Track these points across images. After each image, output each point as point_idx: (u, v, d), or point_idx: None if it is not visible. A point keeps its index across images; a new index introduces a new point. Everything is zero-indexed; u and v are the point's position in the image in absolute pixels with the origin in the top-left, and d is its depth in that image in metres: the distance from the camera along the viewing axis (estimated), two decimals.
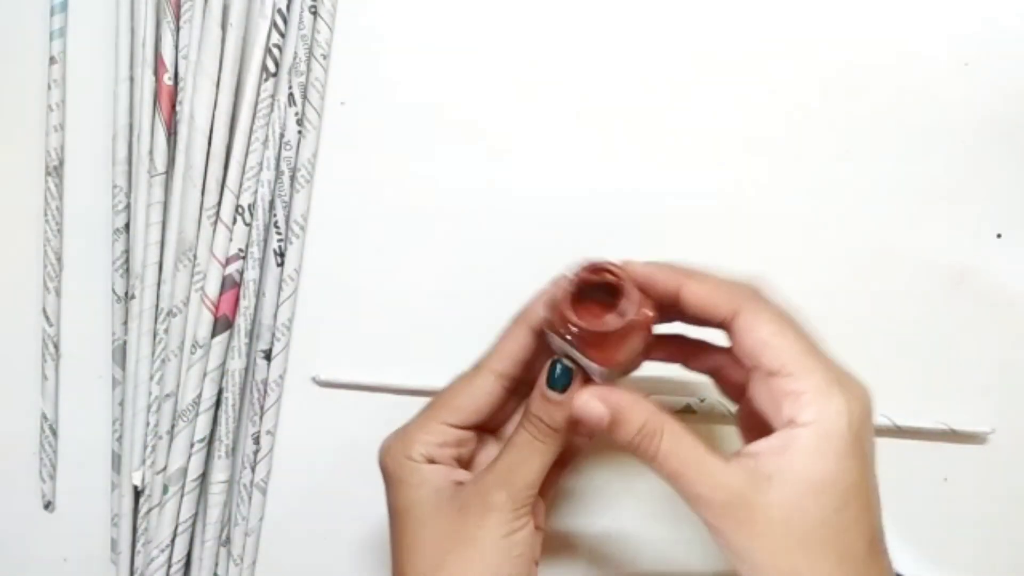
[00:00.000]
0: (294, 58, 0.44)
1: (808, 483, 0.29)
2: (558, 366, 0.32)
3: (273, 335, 0.44)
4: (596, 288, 0.32)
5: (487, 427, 0.36)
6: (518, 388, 0.35)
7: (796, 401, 0.30)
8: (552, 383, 0.32)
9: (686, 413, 0.43)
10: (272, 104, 0.44)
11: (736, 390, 0.35)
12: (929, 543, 0.44)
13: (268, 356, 0.44)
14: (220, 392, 0.43)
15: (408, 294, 0.45)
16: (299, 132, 0.44)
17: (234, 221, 0.43)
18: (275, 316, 0.44)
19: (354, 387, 0.45)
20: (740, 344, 0.32)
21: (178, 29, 0.44)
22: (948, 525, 0.44)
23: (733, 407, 0.37)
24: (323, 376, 0.44)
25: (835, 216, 0.44)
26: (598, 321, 0.31)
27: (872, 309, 0.44)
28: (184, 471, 0.43)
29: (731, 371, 0.35)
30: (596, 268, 0.32)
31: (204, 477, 0.43)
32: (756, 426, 0.32)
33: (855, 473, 0.30)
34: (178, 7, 0.44)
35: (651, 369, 0.35)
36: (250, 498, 0.44)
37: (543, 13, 0.45)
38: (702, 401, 0.43)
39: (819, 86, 0.45)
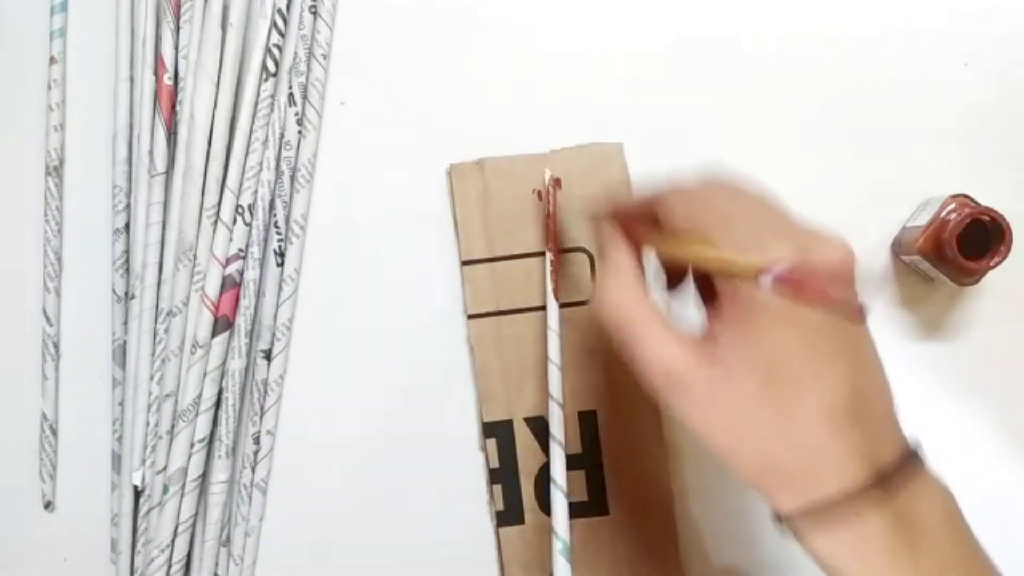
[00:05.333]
0: (294, 58, 0.44)
1: (735, 359, 0.29)
2: None
3: (273, 335, 0.44)
4: None
5: None
6: None
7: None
8: None
9: None
10: (272, 104, 0.44)
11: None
12: None
13: (268, 356, 0.44)
14: (220, 392, 0.43)
15: (407, 292, 0.45)
16: (299, 132, 0.44)
17: (234, 221, 0.43)
18: (275, 316, 0.44)
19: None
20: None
21: (178, 29, 0.44)
22: None
23: None
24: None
25: (835, 214, 0.44)
26: None
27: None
28: (184, 471, 0.43)
29: None
30: None
31: (204, 477, 0.43)
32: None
33: (785, 344, 0.29)
34: (178, 7, 0.44)
35: None
36: (250, 498, 0.44)
37: (543, 14, 0.45)
38: None
39: (820, 86, 0.45)
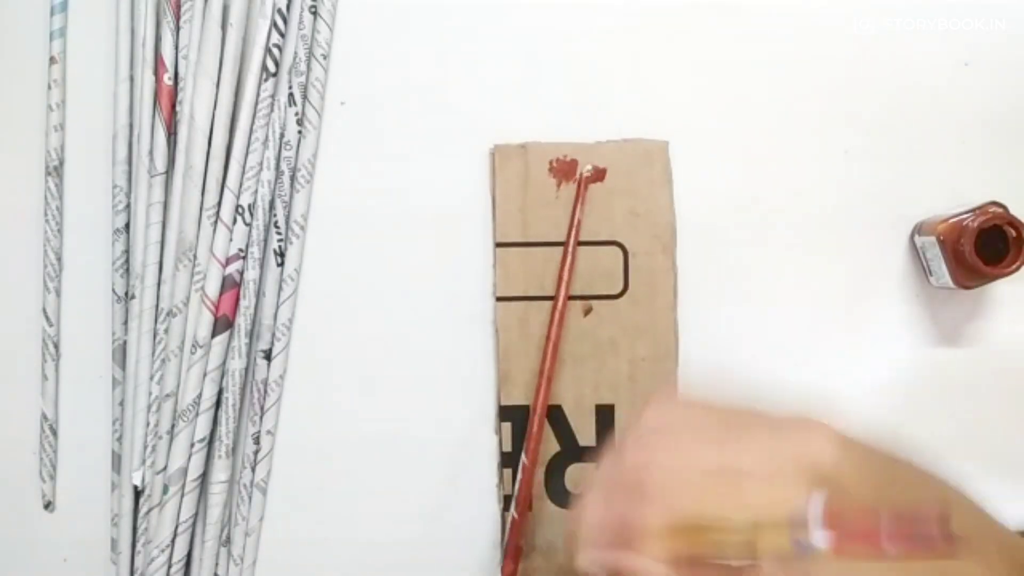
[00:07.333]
0: (294, 58, 0.44)
1: None
2: None
3: (273, 335, 0.44)
4: None
5: None
6: None
7: None
8: None
9: None
10: (272, 104, 0.44)
11: None
12: None
13: (268, 356, 0.44)
14: (220, 392, 0.43)
15: (406, 291, 0.45)
16: (299, 132, 0.44)
17: (234, 221, 0.43)
18: (275, 316, 0.44)
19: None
20: None
21: (178, 29, 0.44)
22: None
23: None
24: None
25: (835, 214, 0.44)
26: None
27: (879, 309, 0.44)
28: (184, 471, 0.43)
29: None
30: None
31: (204, 477, 0.43)
32: None
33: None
34: (178, 7, 0.44)
35: None
36: (250, 498, 0.44)
37: (543, 13, 0.45)
38: None
39: (821, 86, 0.45)
